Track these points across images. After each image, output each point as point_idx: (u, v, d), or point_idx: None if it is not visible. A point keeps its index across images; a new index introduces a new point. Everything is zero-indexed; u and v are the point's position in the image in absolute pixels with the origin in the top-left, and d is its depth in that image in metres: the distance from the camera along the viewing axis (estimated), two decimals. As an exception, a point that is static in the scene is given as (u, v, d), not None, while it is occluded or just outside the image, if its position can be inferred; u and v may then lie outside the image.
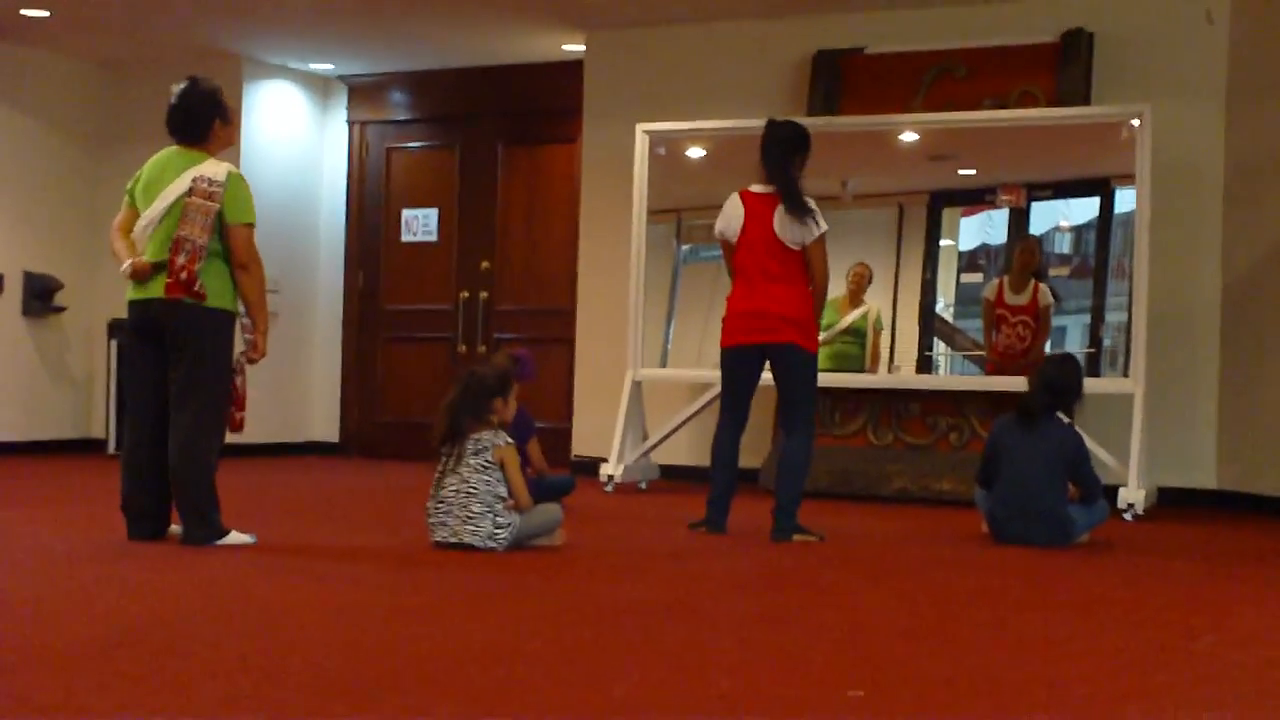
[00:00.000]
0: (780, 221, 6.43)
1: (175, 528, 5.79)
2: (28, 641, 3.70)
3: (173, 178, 5.70)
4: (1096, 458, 7.89)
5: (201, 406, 5.68)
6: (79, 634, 3.82)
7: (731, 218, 6.57)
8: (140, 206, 5.76)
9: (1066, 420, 6.77)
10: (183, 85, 5.86)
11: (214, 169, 5.70)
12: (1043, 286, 8.87)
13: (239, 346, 5.87)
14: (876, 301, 9.18)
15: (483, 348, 11.23)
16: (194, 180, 5.64)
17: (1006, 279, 8.93)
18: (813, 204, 6.47)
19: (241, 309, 5.81)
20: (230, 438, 5.94)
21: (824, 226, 6.45)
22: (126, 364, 5.90)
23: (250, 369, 5.94)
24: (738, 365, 6.61)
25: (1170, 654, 3.95)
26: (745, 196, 6.56)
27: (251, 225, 5.77)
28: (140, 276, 5.69)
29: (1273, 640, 4.28)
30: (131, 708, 3.01)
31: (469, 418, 5.79)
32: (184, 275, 5.57)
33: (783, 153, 6.52)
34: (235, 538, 5.72)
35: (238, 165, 10.54)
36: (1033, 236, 9.07)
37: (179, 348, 5.67)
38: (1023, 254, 8.97)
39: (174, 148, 5.83)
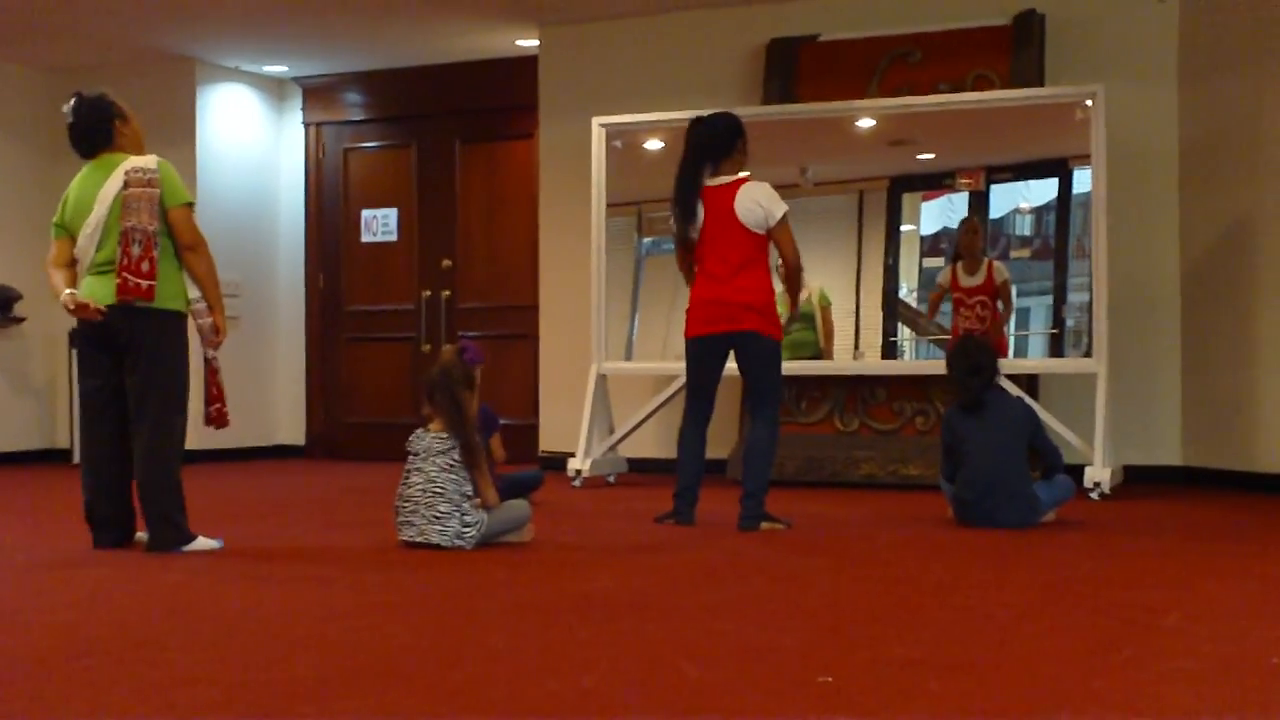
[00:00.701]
0: (741, 205, 6.43)
1: (141, 535, 5.76)
2: (-8, 654, 3.68)
3: (102, 182, 5.67)
4: (1062, 437, 7.95)
5: (161, 411, 5.65)
6: (44, 643, 3.80)
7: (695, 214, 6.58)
8: (75, 230, 5.73)
9: (1016, 393, 6.78)
10: (70, 103, 5.83)
11: (143, 161, 5.68)
12: (997, 264, 8.91)
13: (195, 344, 5.81)
14: (818, 282, 9.13)
15: (447, 346, 11.20)
16: (127, 174, 5.63)
17: (960, 264, 8.96)
18: (770, 187, 6.49)
19: (195, 294, 5.76)
20: (202, 442, 5.93)
21: (785, 207, 6.46)
22: (81, 372, 5.86)
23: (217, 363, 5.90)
24: (702, 356, 6.61)
25: (1136, 630, 3.96)
26: (704, 192, 6.56)
27: (191, 205, 5.75)
28: (87, 315, 5.63)
29: (1238, 615, 4.31)
30: (99, 715, 2.99)
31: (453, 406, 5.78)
32: (145, 266, 5.54)
33: (728, 141, 6.56)
34: (202, 543, 5.70)
35: (194, 169, 10.53)
36: (973, 218, 9.10)
37: (134, 353, 5.64)
38: (966, 235, 9.02)
39: (87, 165, 5.82)
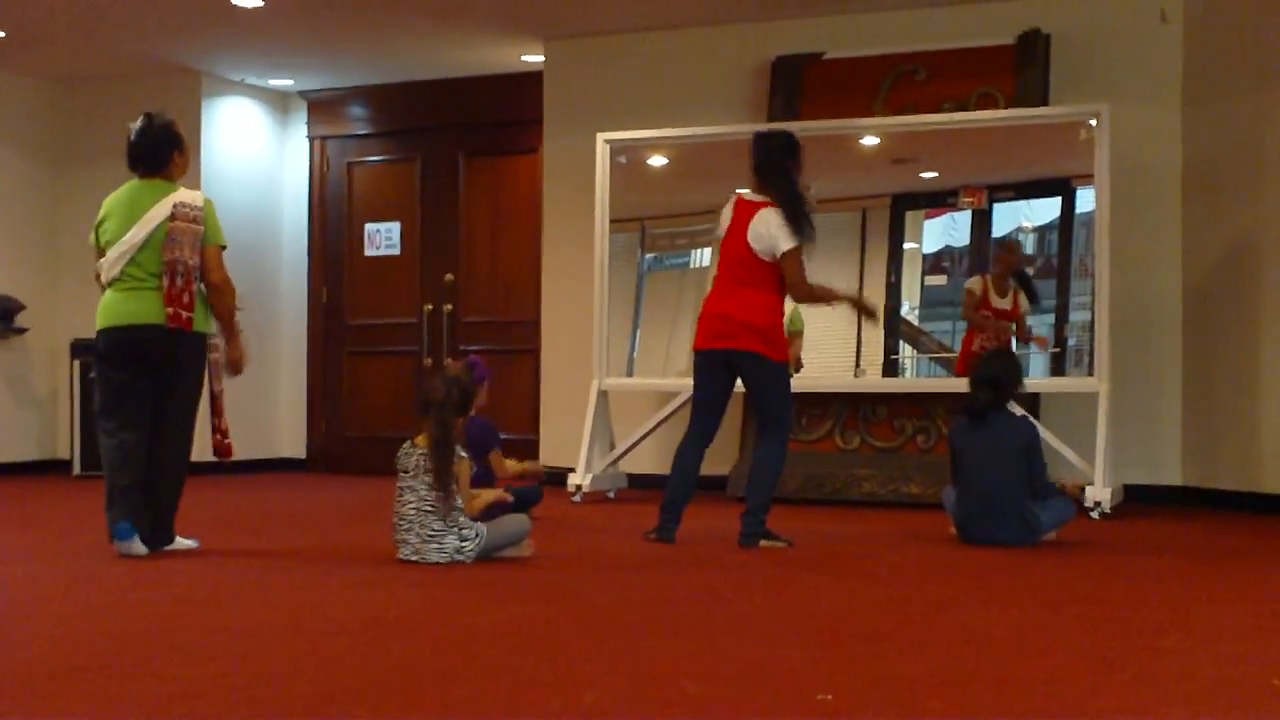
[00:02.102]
0: (753, 231, 6.41)
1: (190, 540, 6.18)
2: (-8, 664, 3.68)
3: (149, 206, 6.00)
4: (1063, 457, 7.95)
5: (184, 421, 6.11)
6: (45, 656, 3.80)
7: (722, 221, 6.58)
8: (114, 238, 6.02)
9: (1020, 413, 6.78)
10: (140, 122, 6.15)
11: (191, 196, 6.09)
12: (1020, 293, 8.93)
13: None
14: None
15: (449, 361, 11.22)
16: (175, 206, 6.00)
17: (990, 279, 8.95)
18: (808, 217, 6.42)
19: (214, 327, 6.16)
20: (202, 454, 6.29)
21: (793, 241, 6.34)
22: (111, 387, 6.04)
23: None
24: (704, 370, 6.59)
25: (1136, 651, 3.96)
26: (738, 203, 6.55)
27: (224, 248, 6.15)
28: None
29: (1238, 636, 4.30)
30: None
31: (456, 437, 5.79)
32: (185, 298, 5.94)
33: (779, 161, 6.49)
34: (181, 543, 6.11)
35: (198, 182, 10.64)
36: (1015, 239, 9.11)
37: (172, 371, 6.01)
38: (1006, 254, 9.01)
39: (136, 181, 6.14)
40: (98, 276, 6.08)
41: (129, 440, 5.95)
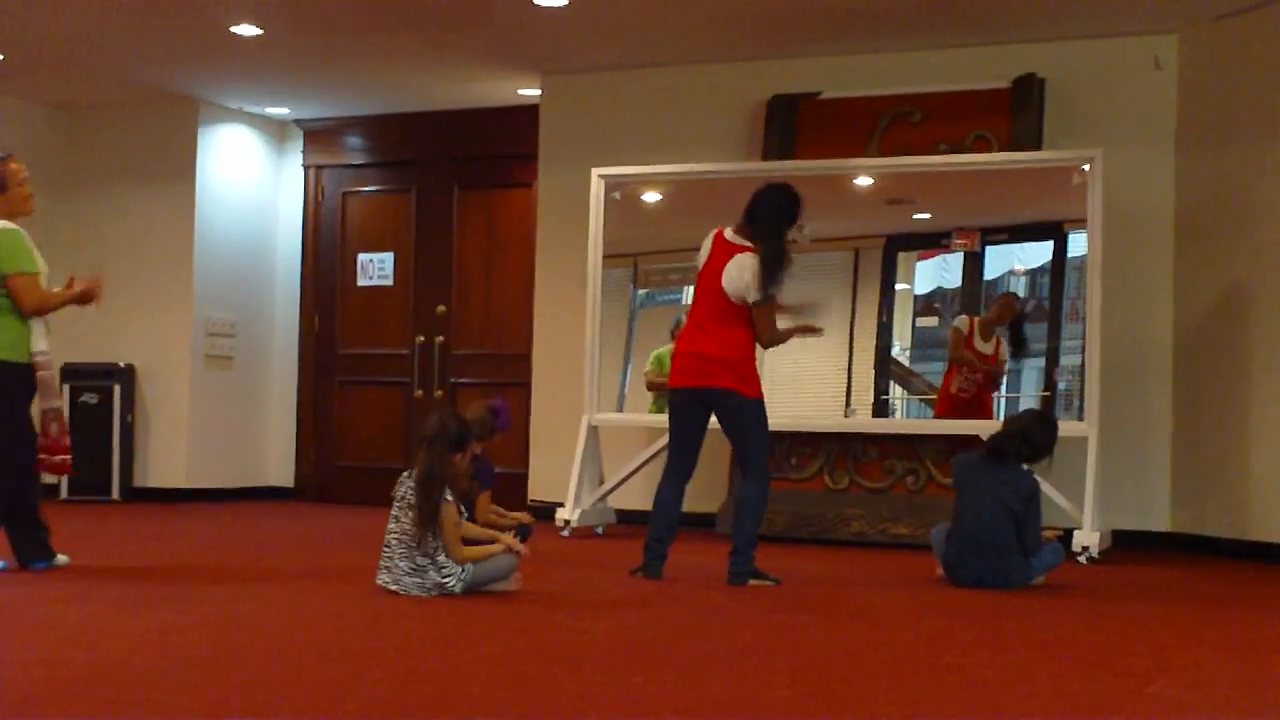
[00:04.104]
0: (728, 274, 6.41)
1: (63, 556, 6.34)
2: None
3: None
4: (1053, 501, 7.94)
5: None
6: (24, 683, 3.78)
7: (702, 255, 6.58)
8: None
9: (1025, 468, 6.78)
10: None
11: None
12: (1004, 343, 8.94)
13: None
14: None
15: (439, 392, 11.21)
16: None
17: (977, 322, 8.97)
18: (783, 274, 6.41)
19: (41, 346, 6.24)
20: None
21: (769, 293, 6.34)
22: None
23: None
24: (680, 408, 6.59)
25: (1123, 697, 3.95)
26: (717, 238, 6.55)
27: (27, 274, 6.25)
28: None
29: (1224, 683, 4.30)
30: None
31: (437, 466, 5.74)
32: None
33: (776, 221, 6.45)
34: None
35: (193, 208, 10.67)
36: (1014, 294, 9.15)
37: None
38: (1001, 307, 9.03)
39: None
40: None
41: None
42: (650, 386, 9.30)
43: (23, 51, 9.93)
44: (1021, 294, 9.38)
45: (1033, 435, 6.71)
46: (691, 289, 6.85)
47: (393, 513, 5.75)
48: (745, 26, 9.14)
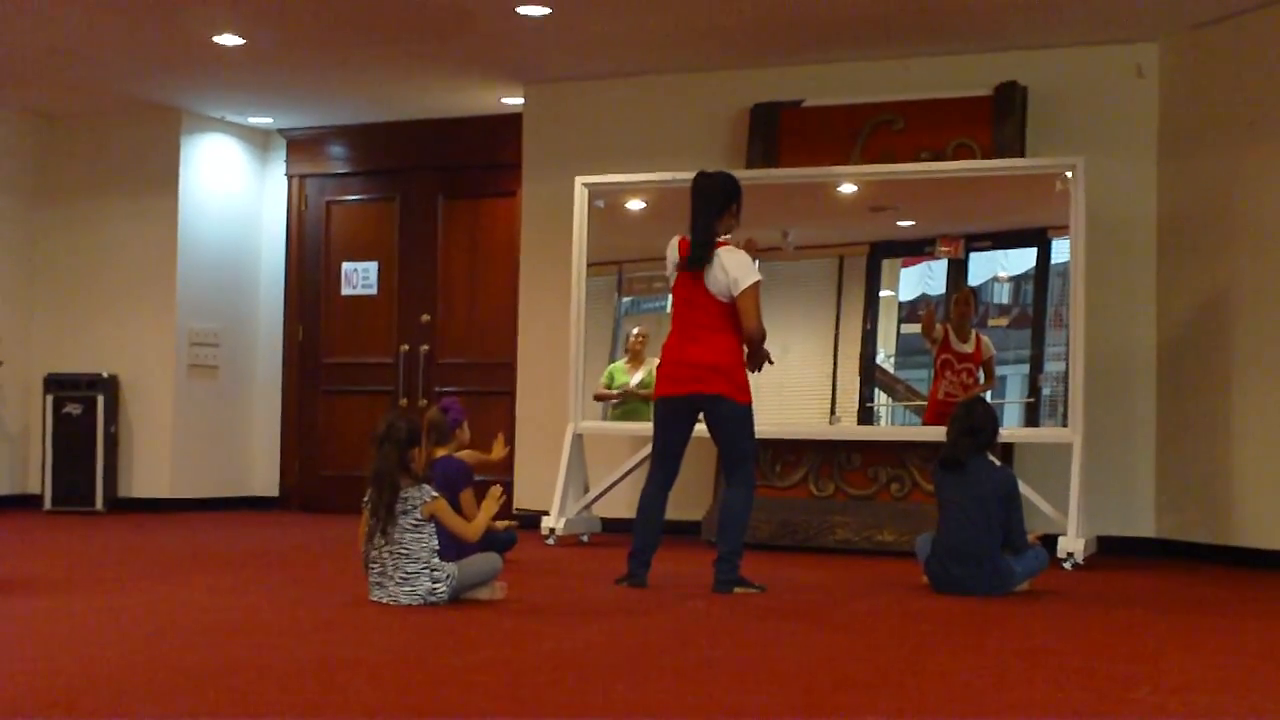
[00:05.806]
0: (710, 274, 6.43)
1: None
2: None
3: None
4: (1037, 507, 7.96)
5: None
6: (11, 693, 3.77)
7: (669, 263, 6.59)
8: None
9: (998, 464, 6.78)
10: None
11: None
12: (985, 339, 8.94)
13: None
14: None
15: (424, 401, 11.20)
16: None
17: (949, 326, 8.98)
18: (743, 256, 6.46)
19: None
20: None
21: (754, 278, 6.40)
22: None
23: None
24: (667, 416, 6.60)
25: (1107, 703, 3.96)
26: (682, 245, 6.57)
27: None
28: None
29: (1207, 689, 4.31)
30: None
31: (399, 472, 5.73)
32: None
33: (707, 205, 6.51)
34: None
35: (176, 218, 10.70)
36: (969, 287, 9.14)
37: None
38: (959, 304, 9.03)
39: None
40: None
41: None
42: (598, 398, 9.31)
43: (4, 61, 9.91)
44: (1005, 300, 9.39)
45: (970, 423, 6.68)
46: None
47: (373, 527, 5.70)
48: (727, 36, 9.16)
